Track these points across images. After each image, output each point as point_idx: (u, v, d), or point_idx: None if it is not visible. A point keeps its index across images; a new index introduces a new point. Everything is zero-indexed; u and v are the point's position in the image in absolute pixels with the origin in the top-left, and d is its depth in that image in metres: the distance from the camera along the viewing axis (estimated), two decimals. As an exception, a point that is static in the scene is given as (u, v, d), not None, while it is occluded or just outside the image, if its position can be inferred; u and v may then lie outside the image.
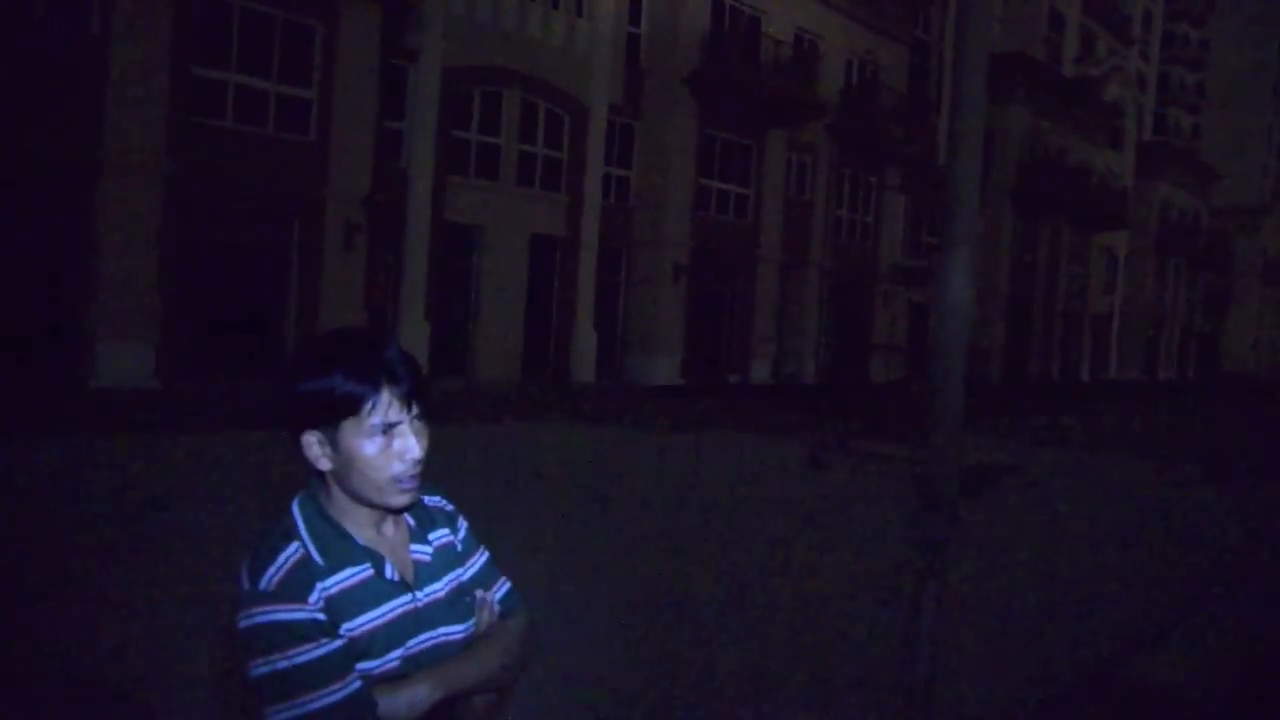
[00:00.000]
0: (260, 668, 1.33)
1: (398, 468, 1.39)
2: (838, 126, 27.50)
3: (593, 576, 6.38)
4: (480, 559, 1.59)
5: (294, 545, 1.38)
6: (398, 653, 1.40)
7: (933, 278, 31.26)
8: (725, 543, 7.64)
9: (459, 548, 1.57)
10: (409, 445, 1.39)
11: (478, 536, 1.62)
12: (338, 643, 1.34)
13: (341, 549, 1.40)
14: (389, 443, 1.37)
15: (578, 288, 21.86)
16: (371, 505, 1.43)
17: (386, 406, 1.37)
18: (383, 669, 1.39)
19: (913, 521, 3.39)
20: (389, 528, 1.48)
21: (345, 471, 1.39)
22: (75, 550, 6.15)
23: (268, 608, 1.32)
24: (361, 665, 1.37)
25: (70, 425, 10.92)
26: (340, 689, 1.33)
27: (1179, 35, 56.44)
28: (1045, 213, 36.79)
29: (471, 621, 1.52)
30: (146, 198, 14.74)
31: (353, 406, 1.36)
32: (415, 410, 1.41)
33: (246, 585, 1.35)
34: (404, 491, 1.41)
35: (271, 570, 1.34)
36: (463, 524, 1.60)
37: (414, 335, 18.56)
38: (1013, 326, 35.84)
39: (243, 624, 1.34)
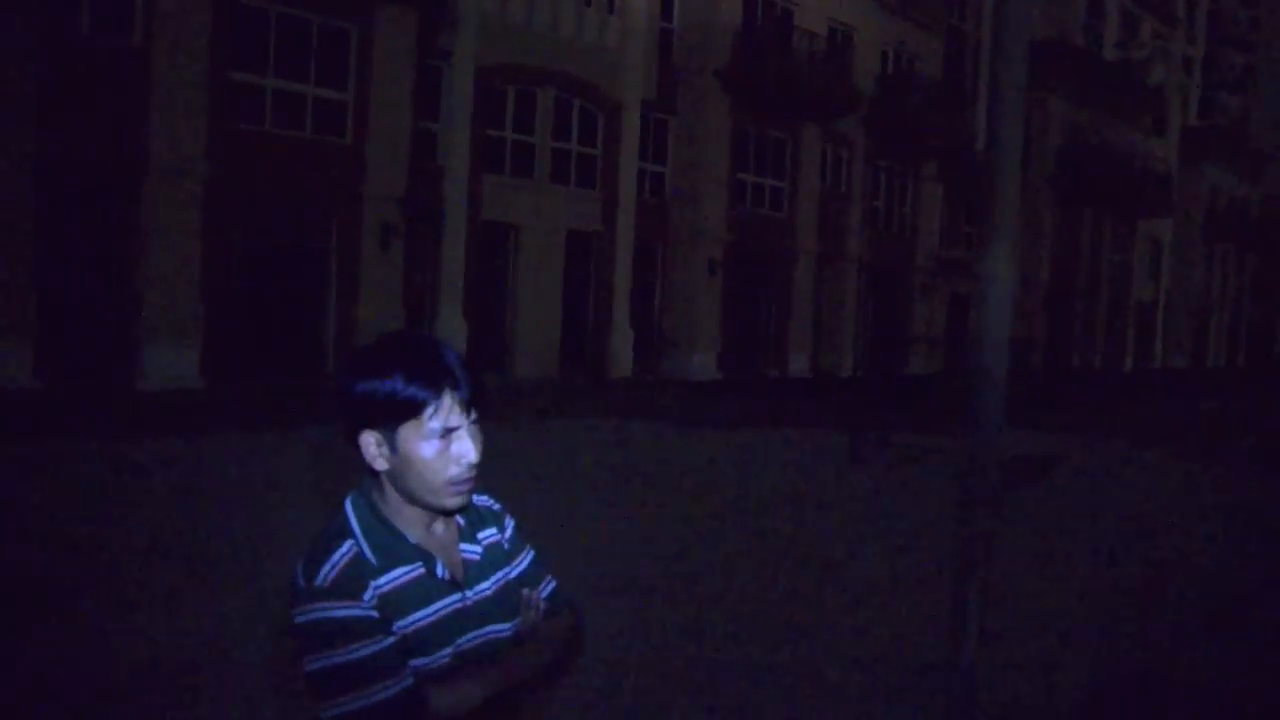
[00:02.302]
0: (315, 663, 1.35)
1: (454, 471, 1.41)
2: (873, 118, 27.26)
3: (632, 573, 6.39)
4: (527, 557, 1.61)
5: (348, 544, 1.40)
6: (448, 650, 1.43)
7: (971, 268, 30.94)
8: (765, 538, 7.62)
9: (506, 546, 1.59)
10: (466, 449, 1.41)
11: (523, 535, 1.64)
12: (391, 640, 1.36)
13: (394, 548, 1.42)
14: (447, 446, 1.40)
15: (614, 283, 21.89)
16: (425, 506, 1.45)
17: (447, 411, 1.39)
18: (433, 666, 1.41)
19: (956, 514, 3.37)
20: (439, 527, 1.50)
21: (401, 472, 1.41)
22: (133, 548, 6.28)
23: (323, 604, 1.35)
24: (413, 662, 1.39)
25: (122, 427, 11.15)
26: (394, 685, 1.35)
27: (1226, 15, 55.09)
28: (1087, 200, 36.18)
29: (519, 619, 1.54)
30: (188, 202, 14.99)
31: (414, 410, 1.37)
32: (473, 415, 1.43)
33: (302, 582, 1.37)
34: (458, 494, 1.44)
35: (326, 568, 1.37)
36: (510, 522, 1.62)
37: (451, 333, 18.68)
38: (1054, 317, 35.31)
39: (298, 620, 1.36)
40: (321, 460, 9.47)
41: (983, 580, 3.81)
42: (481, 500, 1.58)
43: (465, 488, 1.44)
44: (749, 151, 24.59)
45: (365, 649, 1.34)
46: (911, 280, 30.18)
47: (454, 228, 18.62)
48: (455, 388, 1.39)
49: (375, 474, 1.45)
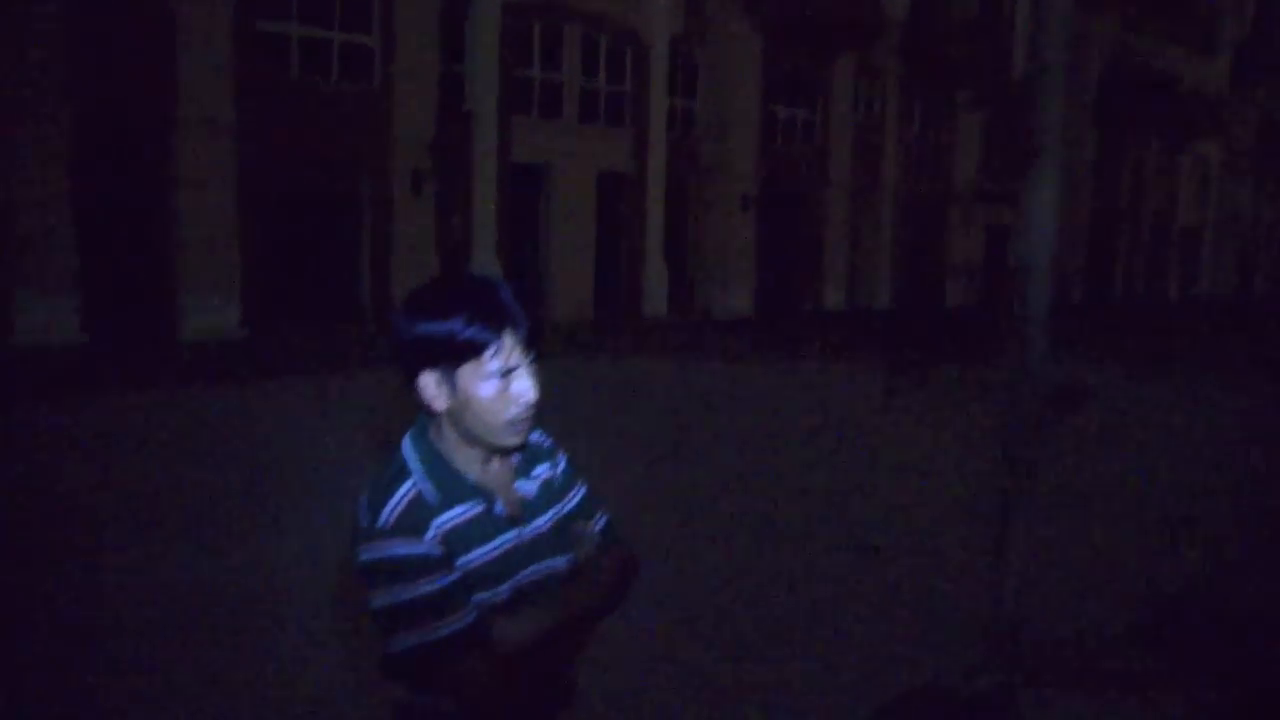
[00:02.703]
0: (380, 600, 1.38)
1: (514, 410, 1.42)
2: (907, 46, 26.55)
3: (674, 509, 6.47)
4: (580, 492, 1.64)
5: (409, 483, 1.42)
6: (507, 585, 1.46)
7: (1008, 198, 30.33)
8: (804, 472, 7.65)
9: (560, 482, 1.61)
10: (525, 388, 1.42)
11: (575, 470, 1.66)
12: (453, 576, 1.40)
13: (454, 486, 1.45)
14: (506, 386, 1.41)
15: (646, 222, 21.75)
16: (485, 445, 1.47)
17: (508, 352, 1.40)
18: (494, 600, 1.44)
19: (1000, 444, 3.36)
20: (496, 464, 1.52)
21: (461, 412, 1.43)
22: (193, 494, 6.46)
23: (387, 543, 1.37)
24: (474, 597, 1.42)
25: (168, 378, 11.37)
26: (457, 620, 1.38)
27: (1277, -75, 52.58)
28: (1131, 125, 35.14)
29: (574, 553, 1.57)
30: (220, 152, 15.05)
31: (475, 351, 1.39)
32: (532, 354, 1.44)
33: (365, 521, 1.40)
34: (518, 433, 1.46)
35: (389, 507, 1.39)
36: (562, 458, 1.65)
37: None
38: (1095, 244, 34.59)
39: (363, 558, 1.39)
40: (363, 405, 9.62)
41: (1027, 509, 3.82)
42: (534, 437, 1.59)
43: (524, 427, 1.46)
44: (780, 84, 24.12)
45: (429, 585, 1.37)
46: (948, 211, 29.67)
47: (485, 171, 18.55)
48: (515, 328, 1.40)
49: (433, 414, 1.47)
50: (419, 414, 1.50)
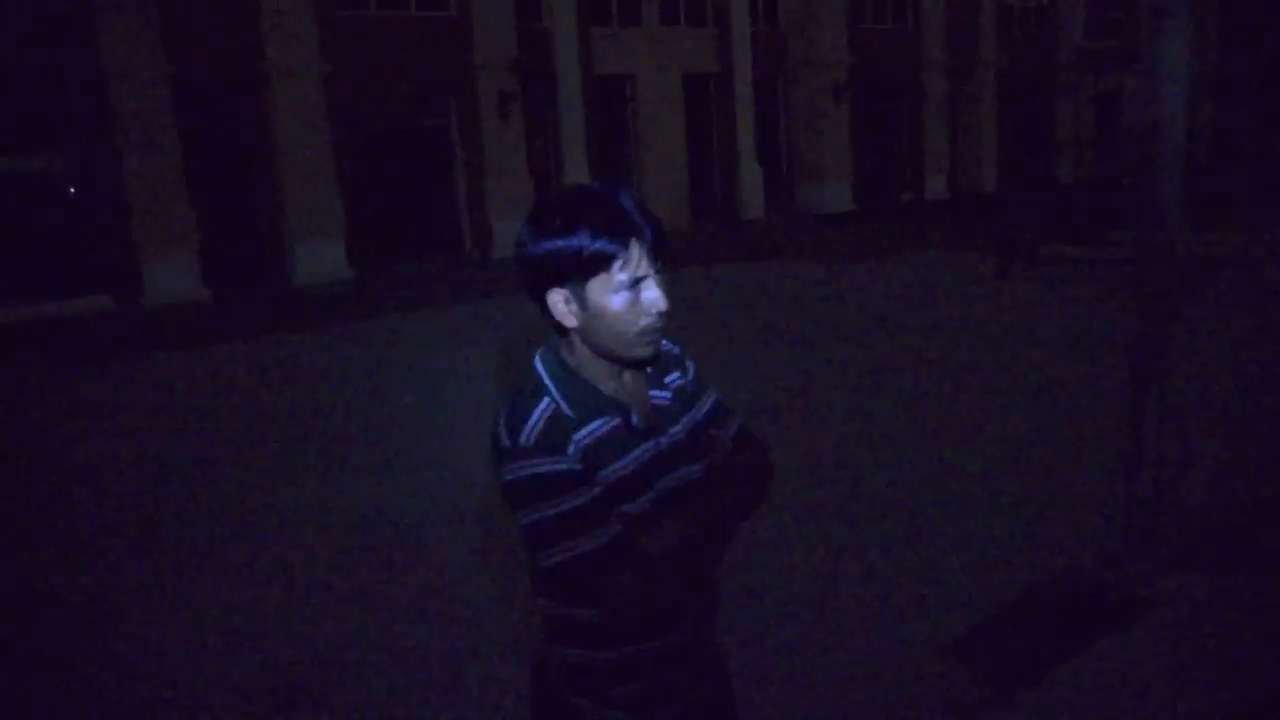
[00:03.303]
0: (527, 517, 1.40)
1: (646, 321, 1.42)
2: (1001, -98, 24.85)
3: (788, 410, 6.44)
4: (711, 398, 1.63)
5: (545, 401, 1.43)
6: (650, 495, 1.46)
7: (1120, 59, 28.38)
8: (915, 364, 7.50)
9: (691, 388, 1.61)
10: (655, 297, 1.41)
11: (703, 378, 1.65)
12: (596, 490, 1.41)
13: (589, 401, 1.45)
14: (636, 296, 1.40)
15: (737, 123, 21.24)
16: (617, 358, 1.46)
17: (636, 262, 1.39)
18: (636, 511, 1.45)
19: (1127, 324, 3.20)
20: (628, 376, 1.52)
21: (593, 326, 1.42)
22: (331, 428, 6.77)
23: (530, 461, 1.38)
24: (617, 509, 1.43)
25: (285, 323, 11.82)
26: (604, 533, 1.40)
27: None
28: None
29: (710, 458, 1.56)
30: (310, 99, 15.29)
31: (604, 264, 1.38)
32: (659, 263, 1.42)
33: (507, 442, 1.40)
34: (651, 343, 1.45)
35: (528, 426, 1.40)
36: (690, 365, 1.64)
37: (580, 195, 18.66)
38: (1222, 100, 32.25)
39: (507, 479, 1.40)
40: (471, 333, 9.82)
41: (1161, 390, 3.66)
42: (664, 345, 1.57)
43: (657, 336, 1.45)
44: (866, -37, 22.96)
45: (573, 501, 1.38)
46: (1054, 81, 28.02)
47: (569, 86, 18.34)
48: (640, 237, 1.39)
49: (563, 331, 1.47)
50: (549, 333, 1.50)
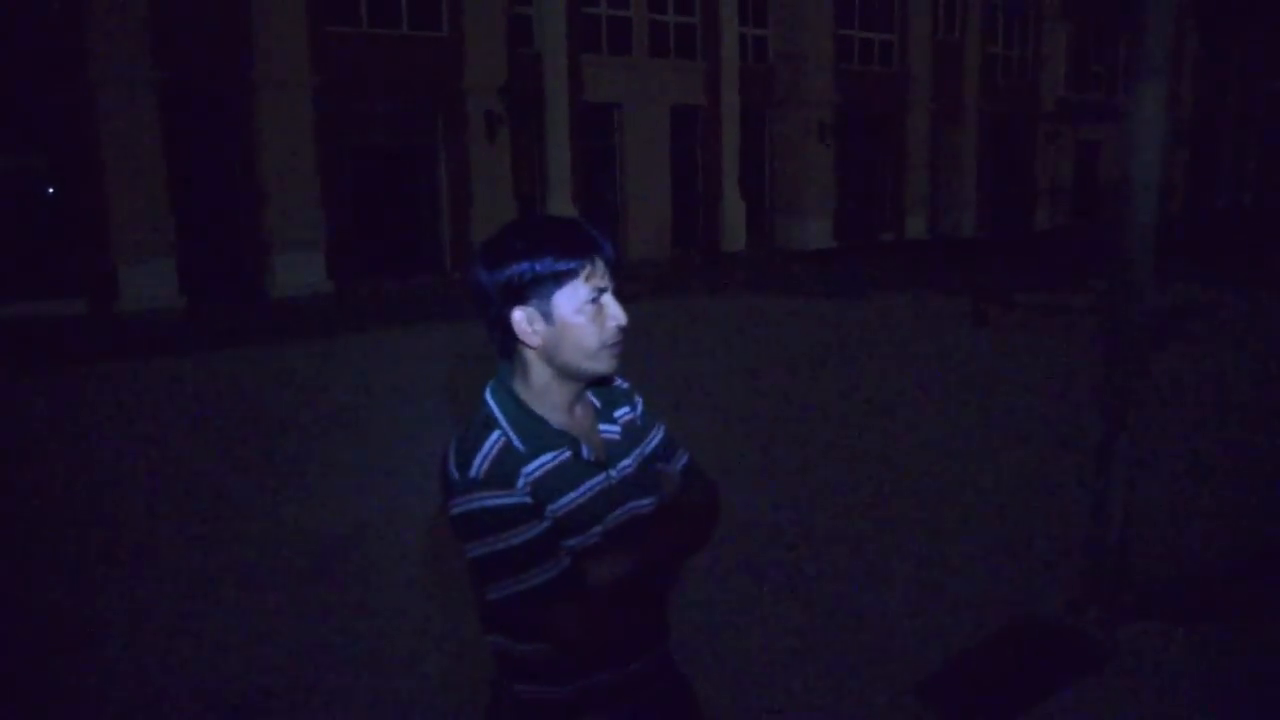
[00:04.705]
0: (475, 550, 1.41)
1: (608, 332, 1.47)
2: (989, -48, 25.33)
3: (760, 445, 6.45)
4: (659, 433, 1.64)
5: (495, 434, 1.44)
6: (598, 529, 1.47)
7: (1100, 111, 28.90)
8: (890, 405, 7.54)
9: (640, 423, 1.62)
10: (617, 311, 1.47)
11: (652, 412, 1.67)
12: (546, 524, 1.41)
13: (539, 434, 1.46)
14: (599, 310, 1.46)
15: (722, 155, 21.43)
16: (579, 374, 1.49)
17: (599, 275, 1.45)
18: (584, 545, 1.45)
19: (1098, 372, 3.23)
20: (579, 410, 1.54)
21: (556, 343, 1.45)
22: (286, 443, 6.70)
23: (478, 495, 1.39)
24: (566, 542, 1.44)
25: (263, 335, 11.73)
26: (552, 567, 1.40)
27: None
28: (1237, 22, 33.01)
29: (658, 493, 1.58)
30: (298, 111, 15.28)
31: (569, 276, 1.43)
32: (614, 282, 1.49)
33: (456, 475, 1.41)
34: (612, 357, 1.49)
35: (478, 459, 1.41)
36: (639, 399, 1.66)
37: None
38: (1196, 154, 32.87)
39: (456, 510, 1.41)
40: (444, 355, 9.79)
41: (1130, 438, 3.69)
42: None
43: (618, 350, 1.49)
44: (854, 5, 23.30)
45: (522, 535, 1.39)
46: (1035, 129, 28.48)
47: (557, 112, 18.44)
48: (600, 252, 1.46)
49: (514, 359, 1.49)
50: (499, 365, 1.52)
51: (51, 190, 13.82)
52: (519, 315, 1.44)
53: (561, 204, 18.75)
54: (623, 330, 1.48)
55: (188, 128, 14.59)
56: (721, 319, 12.22)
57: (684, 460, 1.65)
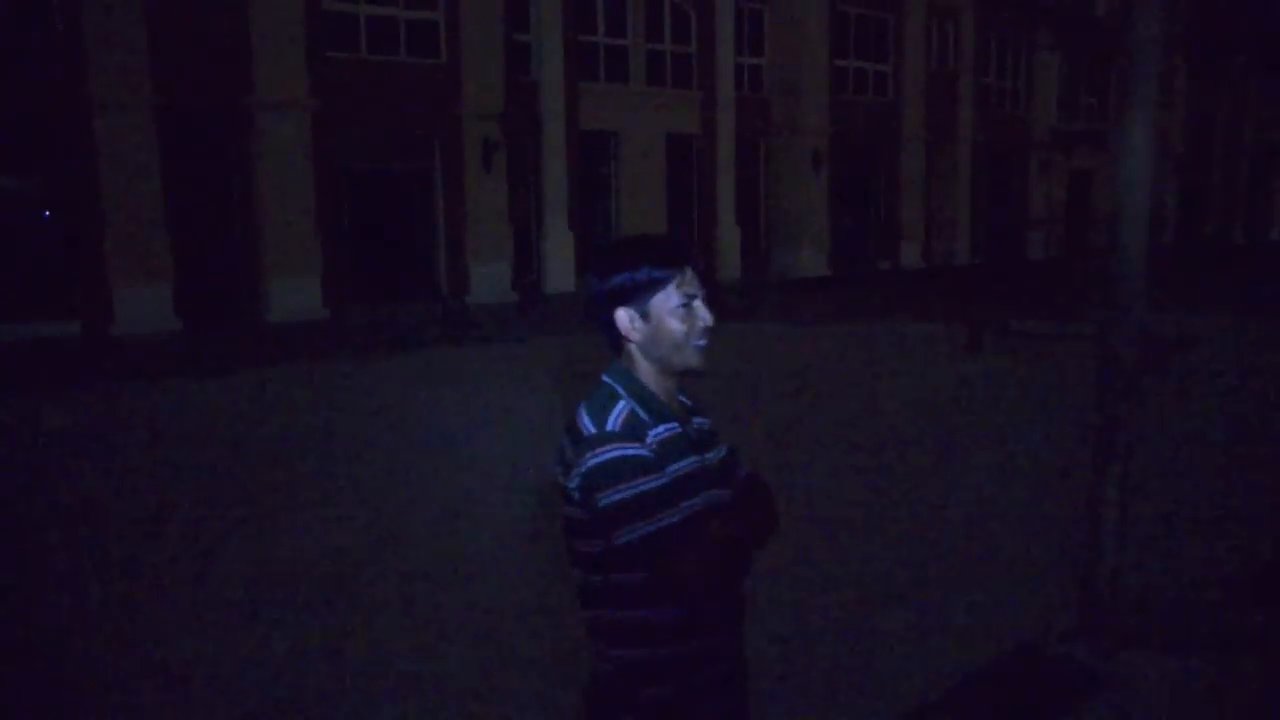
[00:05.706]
0: (612, 496, 1.59)
1: (698, 331, 1.71)
2: (981, -15, 25.63)
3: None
4: (725, 446, 1.85)
5: (622, 403, 1.67)
6: (698, 500, 1.66)
7: (1092, 141, 29.16)
8: (884, 433, 7.54)
9: (712, 430, 1.86)
10: (705, 313, 1.72)
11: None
12: (669, 478, 1.63)
13: (657, 408, 1.70)
14: (689, 312, 1.70)
15: (717, 184, 21.56)
16: (673, 366, 1.72)
17: (690, 282, 1.70)
18: (695, 505, 1.65)
19: (1093, 403, 3.25)
20: (675, 404, 1.76)
21: (653, 338, 1.70)
22: (276, 469, 6.68)
23: (615, 445, 1.61)
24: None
25: (257, 359, 11.71)
26: (678, 513, 1.61)
27: None
28: (1228, 56, 33.40)
29: (735, 487, 1.79)
30: (296, 135, 15.35)
31: (665, 282, 1.68)
32: (704, 290, 1.72)
33: (594, 429, 1.62)
34: (701, 351, 1.72)
35: (612, 417, 1.64)
36: (709, 419, 1.89)
37: (559, 246, 18.81)
38: (1187, 186, 33.14)
39: (594, 461, 1.61)
40: (440, 381, 9.78)
41: (1122, 467, 3.70)
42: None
43: (706, 348, 1.72)
44: (849, 35, 23.56)
45: (652, 483, 1.60)
46: (1028, 158, 28.72)
47: (553, 140, 18.56)
48: (693, 263, 1.72)
49: (623, 354, 1.73)
50: (612, 360, 1.75)
51: (48, 213, 13.84)
52: (621, 314, 1.69)
53: (558, 231, 18.82)
54: (708, 330, 1.71)
55: (185, 152, 14.63)
56: (716, 345, 12.20)
57: (744, 472, 1.86)
